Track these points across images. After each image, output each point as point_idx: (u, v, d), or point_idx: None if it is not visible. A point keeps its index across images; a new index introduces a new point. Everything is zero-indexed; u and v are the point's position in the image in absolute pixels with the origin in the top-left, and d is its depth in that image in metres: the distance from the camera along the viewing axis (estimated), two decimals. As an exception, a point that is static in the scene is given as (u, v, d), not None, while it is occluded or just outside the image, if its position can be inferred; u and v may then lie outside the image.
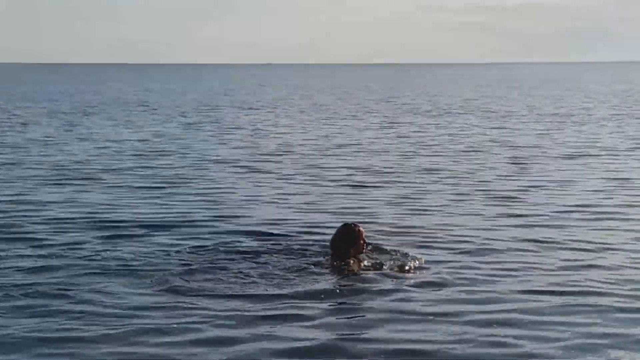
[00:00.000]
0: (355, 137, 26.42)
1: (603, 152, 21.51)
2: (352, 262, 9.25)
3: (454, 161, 19.79)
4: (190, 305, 7.91)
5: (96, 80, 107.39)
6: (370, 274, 8.97)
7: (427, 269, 9.22)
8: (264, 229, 11.51)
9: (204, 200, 14.10)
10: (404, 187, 15.69)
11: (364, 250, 9.47)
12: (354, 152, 22.05)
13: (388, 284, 8.64)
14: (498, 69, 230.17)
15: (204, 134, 27.61)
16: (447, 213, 12.89)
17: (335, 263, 9.27)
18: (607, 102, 47.87)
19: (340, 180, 16.68)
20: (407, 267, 9.17)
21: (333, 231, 9.73)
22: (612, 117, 35.44)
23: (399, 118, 35.75)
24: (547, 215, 12.62)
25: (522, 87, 79.35)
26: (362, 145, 23.83)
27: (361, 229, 9.46)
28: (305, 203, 13.87)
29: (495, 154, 21.28)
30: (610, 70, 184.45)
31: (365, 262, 9.30)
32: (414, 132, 28.53)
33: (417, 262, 9.35)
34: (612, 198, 14.31)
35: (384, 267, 9.17)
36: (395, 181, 16.44)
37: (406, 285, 8.58)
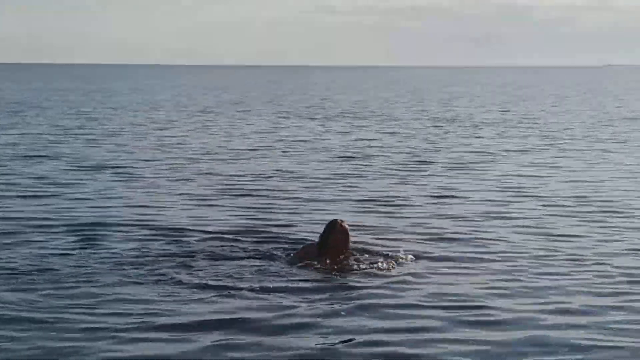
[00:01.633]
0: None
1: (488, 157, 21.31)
2: (341, 257, 9.48)
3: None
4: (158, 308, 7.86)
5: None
6: (361, 271, 9.17)
7: (411, 264, 9.48)
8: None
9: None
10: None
11: (347, 249, 9.64)
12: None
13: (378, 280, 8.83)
14: (394, 72, 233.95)
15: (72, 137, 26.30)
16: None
17: (326, 260, 9.43)
18: (493, 107, 48.59)
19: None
20: (392, 264, 9.41)
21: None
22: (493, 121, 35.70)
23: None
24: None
25: (399, 90, 79.89)
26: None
27: (346, 226, 9.62)
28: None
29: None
30: (503, 75, 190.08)
31: (354, 259, 9.52)
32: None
33: (403, 259, 9.64)
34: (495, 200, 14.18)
35: (373, 264, 9.36)
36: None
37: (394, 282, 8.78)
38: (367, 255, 9.68)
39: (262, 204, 13.85)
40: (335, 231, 9.51)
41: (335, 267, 9.30)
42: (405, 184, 16.31)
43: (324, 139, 26.42)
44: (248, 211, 13.13)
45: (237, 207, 13.59)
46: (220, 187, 15.83)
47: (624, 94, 68.07)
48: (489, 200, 14.29)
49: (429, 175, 17.78)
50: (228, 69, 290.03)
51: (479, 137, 27.13)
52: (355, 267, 9.29)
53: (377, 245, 10.38)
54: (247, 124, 32.92)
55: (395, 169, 18.61)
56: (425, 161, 20.14)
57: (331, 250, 9.50)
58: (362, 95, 66.77)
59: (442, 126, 32.05)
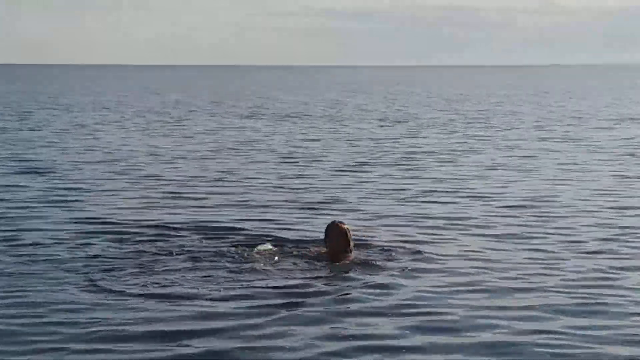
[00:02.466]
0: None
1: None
2: (342, 257, 9.56)
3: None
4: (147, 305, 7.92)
5: None
6: (363, 269, 9.25)
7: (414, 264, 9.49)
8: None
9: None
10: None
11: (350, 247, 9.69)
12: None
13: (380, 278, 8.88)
14: (338, 72, 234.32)
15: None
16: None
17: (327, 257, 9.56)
18: (437, 106, 48.79)
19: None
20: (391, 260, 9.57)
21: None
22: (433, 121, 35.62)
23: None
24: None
25: (344, 89, 79.90)
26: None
27: (346, 226, 9.75)
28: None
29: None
30: (449, 74, 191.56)
31: (355, 257, 9.60)
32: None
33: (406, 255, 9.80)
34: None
35: (373, 261, 9.48)
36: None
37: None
38: (369, 255, 9.77)
39: (210, 204, 13.66)
40: (333, 233, 9.64)
41: (333, 268, 9.32)
42: (351, 185, 16.18)
43: (269, 140, 26.21)
44: (197, 211, 12.95)
45: (182, 207, 13.37)
46: (162, 189, 15.57)
47: (570, 93, 68.83)
48: (437, 202, 14.20)
49: (375, 175, 17.65)
50: (178, 69, 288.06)
51: (425, 137, 27.16)
52: (355, 268, 9.31)
53: (379, 244, 10.39)
54: (194, 125, 32.57)
55: (341, 170, 18.49)
56: (369, 162, 20.02)
57: (332, 251, 9.61)
58: (306, 95, 66.51)
59: (388, 126, 32.02)
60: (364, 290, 8.50)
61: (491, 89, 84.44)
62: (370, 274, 9.05)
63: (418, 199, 14.46)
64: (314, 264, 9.43)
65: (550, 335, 7.24)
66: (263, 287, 8.54)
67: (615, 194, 14.94)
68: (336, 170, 18.42)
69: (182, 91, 73.42)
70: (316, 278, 8.93)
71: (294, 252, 9.89)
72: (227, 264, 9.39)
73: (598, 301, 8.25)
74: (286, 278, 8.91)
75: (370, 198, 14.61)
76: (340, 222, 9.87)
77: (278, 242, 10.48)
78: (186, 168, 18.68)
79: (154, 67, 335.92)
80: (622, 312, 7.93)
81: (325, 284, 8.73)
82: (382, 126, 32.26)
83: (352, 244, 9.71)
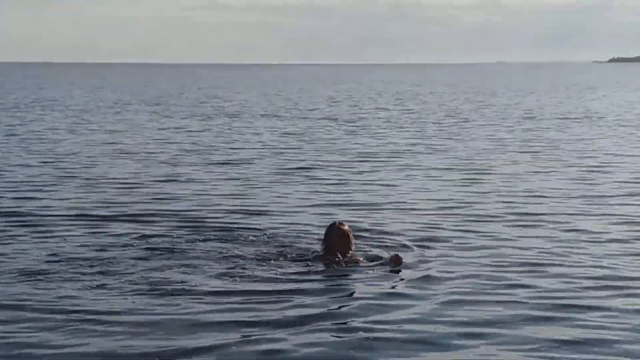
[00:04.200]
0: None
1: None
2: (342, 258, 9.43)
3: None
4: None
5: None
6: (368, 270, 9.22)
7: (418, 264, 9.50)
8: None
9: None
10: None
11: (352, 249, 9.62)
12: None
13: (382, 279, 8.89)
14: (281, 70, 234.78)
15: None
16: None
17: (331, 260, 9.41)
18: (379, 105, 48.74)
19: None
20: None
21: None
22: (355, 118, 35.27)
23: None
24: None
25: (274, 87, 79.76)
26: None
27: (346, 227, 9.66)
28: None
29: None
30: (385, 72, 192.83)
31: (361, 259, 9.52)
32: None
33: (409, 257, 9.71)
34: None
35: (376, 262, 9.43)
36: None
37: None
38: (370, 255, 9.74)
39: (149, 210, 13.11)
40: (334, 234, 9.53)
41: (335, 270, 9.24)
42: (289, 189, 15.61)
43: (206, 139, 25.62)
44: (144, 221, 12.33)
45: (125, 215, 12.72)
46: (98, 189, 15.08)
47: (515, 91, 69.54)
48: (370, 206, 13.70)
49: (313, 177, 17.22)
50: (110, 67, 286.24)
51: (361, 136, 26.94)
52: (356, 269, 9.27)
53: (380, 244, 10.43)
54: (128, 125, 31.73)
55: (281, 173, 17.91)
56: (306, 164, 19.51)
57: (333, 253, 9.46)
58: (247, 93, 66.02)
59: (329, 126, 31.52)
60: (369, 294, 8.34)
61: (429, 86, 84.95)
62: (373, 278, 8.96)
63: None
64: (315, 267, 9.30)
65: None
66: (263, 291, 8.42)
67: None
68: (276, 174, 17.83)
69: (118, 90, 72.20)
70: (318, 281, 8.84)
71: (290, 254, 9.75)
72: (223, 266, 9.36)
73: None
74: (285, 282, 8.76)
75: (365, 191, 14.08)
76: (341, 223, 9.72)
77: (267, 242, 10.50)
78: (124, 168, 17.96)
79: (81, 65, 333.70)
80: None
81: (327, 286, 8.64)
82: (321, 125, 31.86)
83: (353, 246, 9.61)
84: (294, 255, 9.77)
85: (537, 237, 11.23)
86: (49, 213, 12.83)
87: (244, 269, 9.22)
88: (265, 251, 10.01)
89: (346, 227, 9.67)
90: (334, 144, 24.50)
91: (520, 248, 10.52)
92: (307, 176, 17.43)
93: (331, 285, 8.71)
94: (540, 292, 8.47)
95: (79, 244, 10.59)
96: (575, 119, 35.36)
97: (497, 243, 10.82)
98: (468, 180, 16.73)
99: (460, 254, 10.16)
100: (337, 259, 9.39)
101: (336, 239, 9.54)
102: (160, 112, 40.45)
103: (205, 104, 48.58)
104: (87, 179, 16.83)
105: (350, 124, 32.62)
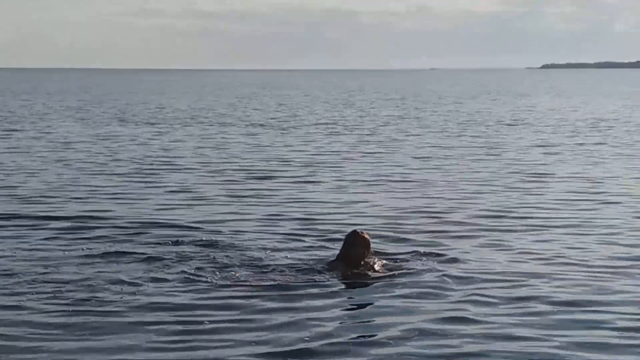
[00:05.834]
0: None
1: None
2: (364, 266, 9.47)
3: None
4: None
5: None
6: (386, 278, 9.27)
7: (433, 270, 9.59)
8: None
9: None
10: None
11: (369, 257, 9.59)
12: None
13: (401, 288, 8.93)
14: (218, 75, 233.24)
15: None
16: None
17: (348, 271, 9.39)
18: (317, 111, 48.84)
19: None
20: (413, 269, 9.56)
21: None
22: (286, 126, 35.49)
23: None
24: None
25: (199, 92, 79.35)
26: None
27: (367, 235, 9.61)
28: None
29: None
30: (329, 77, 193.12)
31: (377, 267, 9.52)
32: None
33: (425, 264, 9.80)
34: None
35: (395, 271, 9.45)
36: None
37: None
38: (387, 263, 9.74)
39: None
40: (357, 242, 9.47)
41: (356, 277, 9.29)
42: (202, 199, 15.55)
43: (128, 148, 25.36)
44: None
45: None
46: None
47: (443, 98, 70.16)
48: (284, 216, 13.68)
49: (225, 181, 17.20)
50: (37, 72, 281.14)
51: (288, 142, 26.87)
52: (375, 276, 9.32)
53: (395, 252, 10.49)
54: (49, 132, 31.21)
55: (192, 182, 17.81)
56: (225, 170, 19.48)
57: (352, 260, 9.45)
58: (175, 98, 65.59)
59: (256, 134, 31.34)
60: (390, 301, 8.48)
61: (364, 92, 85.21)
62: (398, 286, 9.01)
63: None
64: (334, 274, 9.32)
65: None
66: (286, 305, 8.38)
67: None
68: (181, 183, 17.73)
69: (43, 96, 70.81)
70: (343, 292, 8.90)
71: (306, 266, 9.67)
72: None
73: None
74: (303, 295, 8.70)
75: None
76: (362, 232, 9.65)
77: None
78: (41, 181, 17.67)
79: (13, 70, 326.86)
80: None
81: (354, 298, 8.74)
82: (249, 133, 31.80)
83: (372, 254, 9.62)
84: (307, 264, 9.74)
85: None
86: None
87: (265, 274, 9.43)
88: (272, 259, 10.13)
89: (367, 235, 9.62)
90: (255, 151, 24.49)
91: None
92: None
93: (352, 295, 8.83)
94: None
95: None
96: (507, 124, 35.88)
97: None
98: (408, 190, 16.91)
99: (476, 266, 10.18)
100: (359, 267, 9.43)
101: (358, 247, 9.48)
102: (84, 118, 39.91)
103: (133, 110, 48.03)
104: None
105: (282, 131, 32.62)
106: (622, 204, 14.86)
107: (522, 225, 12.77)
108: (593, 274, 9.73)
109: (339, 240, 10.34)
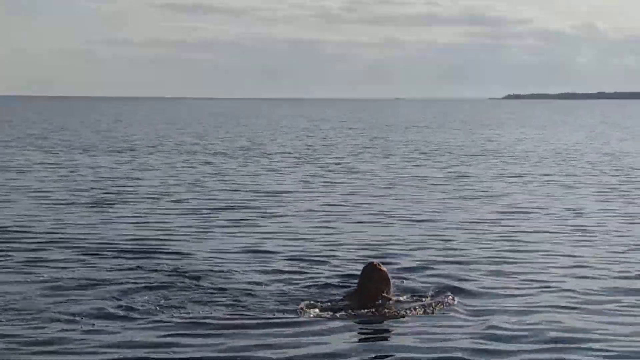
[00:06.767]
0: None
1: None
2: (381, 301, 9.02)
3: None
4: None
5: None
6: (404, 313, 9.00)
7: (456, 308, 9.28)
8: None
9: None
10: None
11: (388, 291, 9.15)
12: None
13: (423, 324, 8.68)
14: (186, 104, 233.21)
15: None
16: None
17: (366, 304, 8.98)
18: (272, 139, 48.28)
19: None
20: (435, 306, 9.18)
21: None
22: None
23: None
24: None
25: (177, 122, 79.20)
26: None
27: (384, 268, 9.17)
28: None
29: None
30: (293, 107, 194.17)
31: (395, 301, 9.16)
32: None
33: (447, 300, 9.40)
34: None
35: (415, 306, 9.12)
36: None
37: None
38: (408, 298, 9.43)
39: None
40: (375, 276, 8.99)
41: (374, 313, 8.91)
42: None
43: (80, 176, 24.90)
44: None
45: None
46: None
47: (404, 128, 70.43)
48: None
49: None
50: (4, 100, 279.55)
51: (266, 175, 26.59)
52: (395, 313, 8.95)
53: (416, 287, 10.20)
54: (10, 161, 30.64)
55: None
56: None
57: (369, 296, 8.97)
58: (142, 127, 65.01)
59: (219, 163, 30.99)
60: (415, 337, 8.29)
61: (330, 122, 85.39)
62: (420, 321, 8.80)
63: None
64: (353, 310, 8.93)
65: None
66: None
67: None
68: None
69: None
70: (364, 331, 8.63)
71: (322, 304, 9.19)
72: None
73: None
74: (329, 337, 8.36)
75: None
76: (379, 264, 9.15)
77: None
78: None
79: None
80: None
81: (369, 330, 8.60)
82: (208, 162, 31.39)
83: (391, 288, 9.16)
84: (324, 305, 9.27)
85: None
86: None
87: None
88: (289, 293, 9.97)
89: (385, 269, 9.14)
90: (218, 180, 24.18)
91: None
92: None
93: (373, 329, 8.66)
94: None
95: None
96: (474, 155, 35.95)
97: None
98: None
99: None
100: (377, 302, 8.99)
101: (376, 281, 8.99)
102: (45, 147, 39.38)
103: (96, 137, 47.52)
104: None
105: (245, 160, 32.34)
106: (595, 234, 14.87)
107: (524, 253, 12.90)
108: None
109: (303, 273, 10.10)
